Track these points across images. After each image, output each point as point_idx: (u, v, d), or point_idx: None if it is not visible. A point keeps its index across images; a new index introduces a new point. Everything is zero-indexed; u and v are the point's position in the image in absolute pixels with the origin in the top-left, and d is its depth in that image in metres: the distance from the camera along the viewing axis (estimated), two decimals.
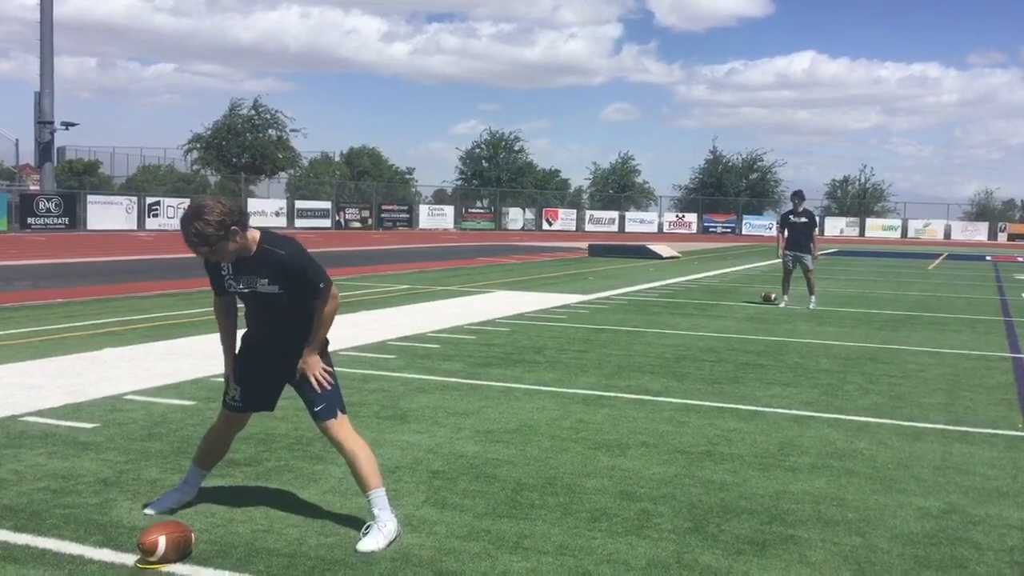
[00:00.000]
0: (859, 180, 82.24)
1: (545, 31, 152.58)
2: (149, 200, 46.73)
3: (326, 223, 56.60)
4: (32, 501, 4.82)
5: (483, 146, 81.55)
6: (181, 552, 4.07)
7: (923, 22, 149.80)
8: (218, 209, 4.16)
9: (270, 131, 70.28)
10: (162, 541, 4.00)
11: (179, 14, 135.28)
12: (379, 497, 4.39)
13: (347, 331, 10.70)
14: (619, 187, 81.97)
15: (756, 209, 75.16)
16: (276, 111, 70.47)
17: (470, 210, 67.53)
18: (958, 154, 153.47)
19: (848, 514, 4.97)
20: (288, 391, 4.70)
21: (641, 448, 6.21)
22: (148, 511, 4.65)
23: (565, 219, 68.47)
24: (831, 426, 7.00)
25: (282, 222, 53.87)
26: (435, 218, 63.93)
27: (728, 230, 68.68)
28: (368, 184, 70.01)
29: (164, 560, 4.00)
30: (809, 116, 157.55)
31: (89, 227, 42.57)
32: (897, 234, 68.70)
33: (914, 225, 69.78)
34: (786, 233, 16.10)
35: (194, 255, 4.30)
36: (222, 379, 4.83)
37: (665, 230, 68.26)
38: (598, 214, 70.80)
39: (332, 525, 4.56)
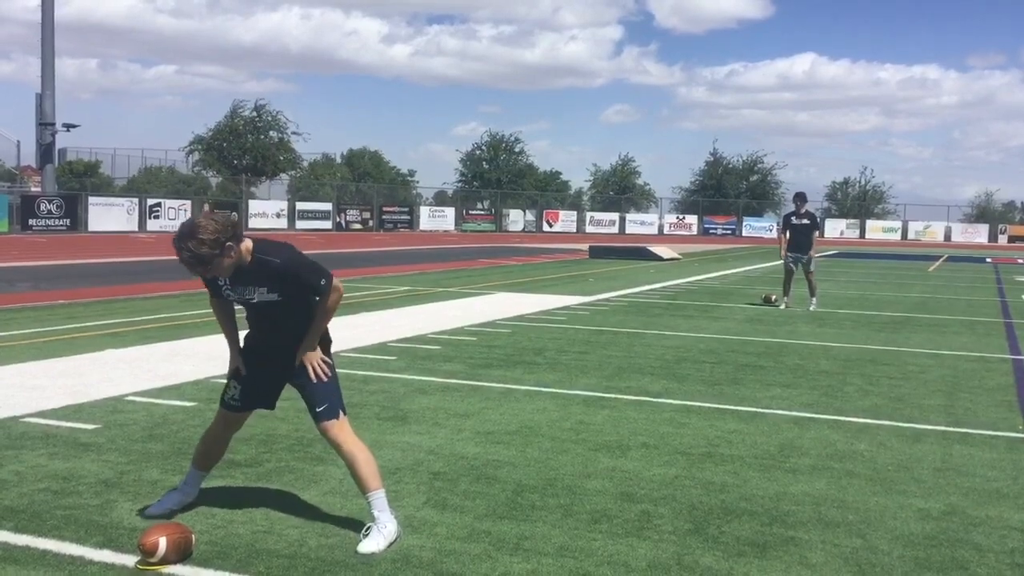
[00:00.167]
0: (859, 182, 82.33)
1: (545, 33, 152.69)
2: (150, 202, 46.75)
3: (327, 225, 56.63)
4: (33, 502, 4.83)
5: (483, 148, 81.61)
6: (182, 553, 4.08)
7: (923, 24, 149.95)
8: (211, 227, 4.12)
9: (271, 133, 70.36)
10: (163, 542, 4.00)
11: (180, 15, 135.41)
12: (379, 499, 4.40)
13: (348, 332, 10.71)
14: (619, 189, 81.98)
15: (756, 211, 75.15)
16: (278, 112, 70.63)
17: (471, 212, 67.55)
18: (958, 156, 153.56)
19: (848, 516, 4.97)
20: (290, 391, 4.71)
21: (641, 449, 6.21)
22: (149, 512, 4.66)
23: (565, 221, 68.49)
24: (831, 428, 7.01)
25: (283, 224, 53.91)
26: (436, 220, 63.95)
27: (728, 232, 68.70)
28: (369, 186, 70.04)
29: (165, 561, 4.00)
30: (809, 118, 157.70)
31: (90, 228, 42.58)
32: (897, 236, 68.69)
33: (914, 227, 69.77)
34: (788, 235, 16.11)
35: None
36: (223, 380, 4.83)
37: (665, 232, 68.25)
38: (598, 216, 70.83)
39: (332, 526, 4.57)
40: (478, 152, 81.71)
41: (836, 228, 68.67)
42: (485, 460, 5.84)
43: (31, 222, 40.53)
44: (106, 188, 55.89)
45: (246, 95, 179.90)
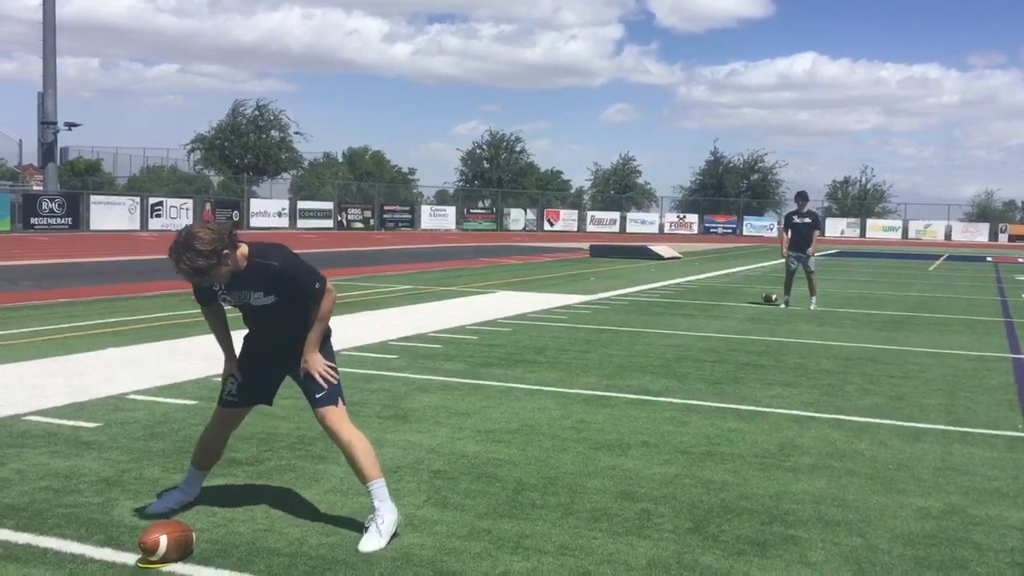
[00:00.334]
0: (860, 181, 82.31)
1: (546, 32, 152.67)
2: (152, 200, 46.77)
3: (328, 224, 56.65)
4: (34, 500, 4.84)
5: (484, 147, 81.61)
6: (182, 551, 4.08)
7: (923, 23, 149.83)
8: (207, 236, 4.11)
9: (273, 132, 70.39)
10: (163, 540, 4.01)
11: (181, 15, 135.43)
12: (379, 488, 4.40)
13: (349, 331, 10.71)
14: (620, 188, 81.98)
15: (757, 210, 75.15)
16: (280, 112, 70.68)
17: (472, 211, 67.56)
18: (959, 155, 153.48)
19: (848, 515, 4.98)
20: (289, 387, 4.71)
21: (642, 448, 6.21)
22: (149, 511, 4.66)
23: (566, 220, 68.49)
24: (831, 426, 7.01)
25: (284, 223, 53.95)
26: (437, 219, 63.96)
27: (729, 231, 68.69)
28: (370, 185, 70.06)
29: (165, 560, 4.01)
30: (810, 117, 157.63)
31: (92, 227, 42.61)
32: (898, 235, 68.68)
33: (915, 226, 69.75)
34: (790, 234, 16.11)
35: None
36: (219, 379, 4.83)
37: (666, 231, 68.25)
38: (599, 215, 70.83)
39: (333, 525, 4.57)
40: (479, 151, 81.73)
41: (837, 227, 68.65)
42: (486, 459, 5.85)
43: (33, 221, 40.57)
44: (108, 187, 55.90)
45: (247, 95, 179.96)
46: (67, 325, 11.31)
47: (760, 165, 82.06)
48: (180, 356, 9.21)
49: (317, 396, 4.48)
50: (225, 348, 4.72)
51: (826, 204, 79.04)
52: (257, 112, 69.82)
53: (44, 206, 41.43)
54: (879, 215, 76.52)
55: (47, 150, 45.91)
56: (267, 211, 54.01)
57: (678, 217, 71.63)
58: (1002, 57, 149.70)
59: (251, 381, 4.67)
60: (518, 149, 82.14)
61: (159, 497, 4.82)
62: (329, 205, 58.64)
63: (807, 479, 5.61)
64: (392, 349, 10.01)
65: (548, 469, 5.66)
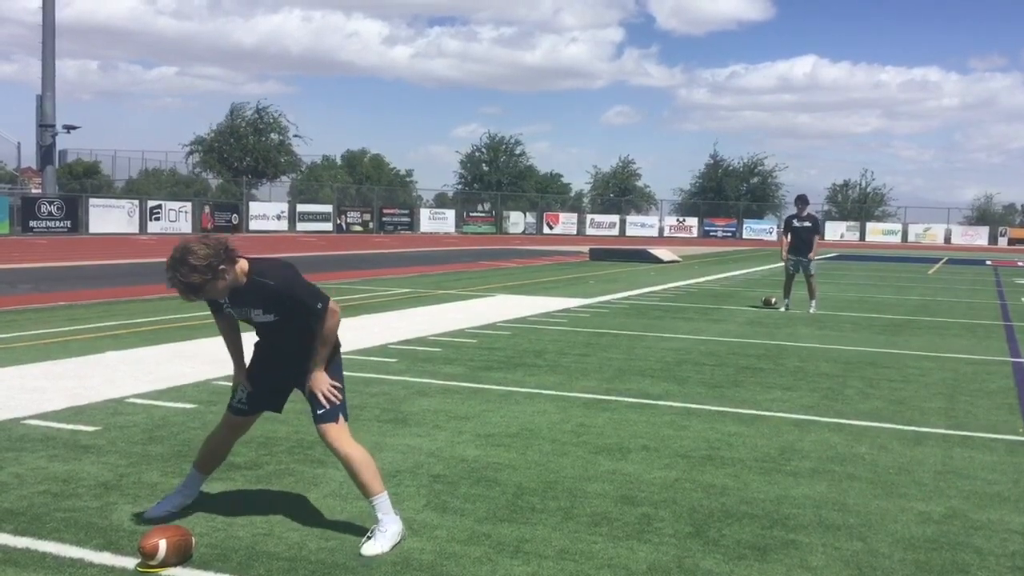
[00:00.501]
0: (860, 184, 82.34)
1: (546, 35, 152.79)
2: (151, 203, 46.75)
3: (327, 227, 56.67)
4: (33, 504, 4.83)
5: (483, 150, 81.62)
6: (182, 556, 4.07)
7: (924, 26, 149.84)
8: (203, 251, 4.06)
9: (272, 135, 70.42)
10: (163, 545, 4.00)
11: (181, 17, 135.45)
12: (382, 502, 4.40)
13: (349, 335, 10.67)
14: (620, 191, 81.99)
15: (757, 213, 75.14)
16: (280, 114, 70.70)
17: (471, 214, 67.59)
18: (959, 158, 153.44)
19: (849, 519, 4.97)
20: (294, 392, 4.71)
21: (642, 452, 6.21)
22: (148, 515, 4.66)
23: (566, 223, 68.50)
24: (832, 430, 7.00)
25: (283, 226, 53.96)
26: (436, 222, 63.99)
27: (729, 234, 68.70)
28: (369, 188, 70.09)
29: (165, 564, 4.00)
30: (810, 120, 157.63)
31: (91, 230, 42.60)
32: (897, 238, 68.68)
33: (914, 229, 69.74)
34: (790, 237, 16.10)
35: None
36: (224, 383, 4.85)
37: (666, 234, 68.25)
38: (599, 218, 70.82)
39: (332, 529, 4.56)
40: (478, 154, 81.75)
41: (836, 230, 68.66)
42: (485, 463, 5.84)
43: (32, 224, 40.55)
44: (106, 190, 55.90)
45: (247, 97, 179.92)
46: (66, 328, 11.30)
47: (760, 168, 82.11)
48: (179, 359, 9.20)
49: (319, 412, 4.47)
50: (235, 356, 4.70)
51: (826, 207, 79.07)
52: (256, 115, 69.86)
53: (43, 209, 41.43)
54: (879, 218, 76.53)
55: (46, 153, 45.94)
56: (266, 214, 54.02)
57: (678, 220, 71.62)
58: (1002, 60, 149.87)
59: (260, 389, 4.67)
60: (517, 152, 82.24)
61: (158, 501, 4.81)
62: (328, 208, 58.65)
63: (807, 483, 5.60)
64: (391, 353, 10.01)
65: (548, 473, 5.66)
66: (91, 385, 7.85)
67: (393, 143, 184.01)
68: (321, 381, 4.45)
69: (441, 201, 77.08)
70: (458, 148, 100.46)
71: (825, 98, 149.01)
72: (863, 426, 7.18)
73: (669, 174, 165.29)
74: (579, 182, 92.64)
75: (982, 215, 78.79)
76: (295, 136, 71.29)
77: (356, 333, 11.17)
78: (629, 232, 68.29)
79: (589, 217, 71.11)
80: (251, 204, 54.99)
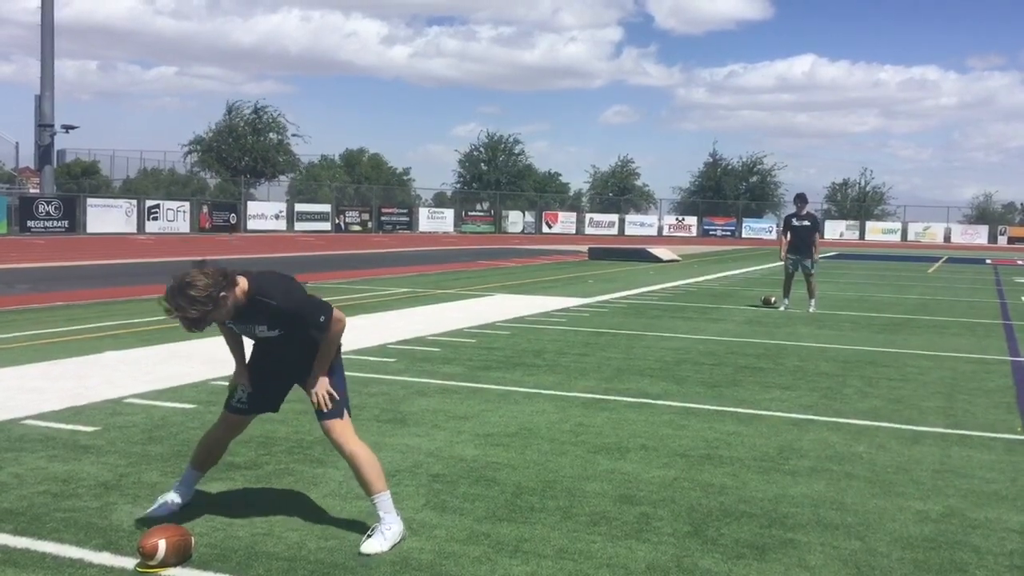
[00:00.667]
0: (859, 183, 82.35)
1: (545, 34, 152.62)
2: (149, 203, 46.73)
3: (326, 226, 56.65)
4: (32, 505, 4.83)
5: (481, 149, 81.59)
6: (181, 556, 4.08)
7: (922, 25, 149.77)
8: (202, 282, 4.03)
9: (271, 134, 70.40)
10: (162, 545, 4.01)
11: (180, 17, 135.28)
12: (383, 500, 4.41)
13: (347, 334, 10.60)
14: (619, 190, 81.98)
15: (756, 212, 75.14)
16: (279, 114, 70.68)
17: (470, 213, 67.57)
18: (957, 157, 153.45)
19: (847, 518, 4.97)
20: (292, 393, 4.71)
21: (640, 451, 6.21)
22: (147, 515, 4.66)
23: (565, 222, 68.49)
24: (830, 429, 7.01)
25: (282, 225, 53.95)
26: (435, 221, 63.99)
27: (728, 233, 68.70)
28: (368, 187, 70.08)
29: (164, 564, 4.01)
30: (809, 119, 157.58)
31: (89, 230, 42.56)
32: (897, 237, 68.69)
33: (914, 228, 69.75)
34: (789, 236, 16.10)
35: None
36: (223, 383, 4.84)
37: (665, 233, 68.25)
38: (598, 217, 70.82)
39: (332, 529, 4.57)
40: (476, 153, 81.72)
41: (836, 229, 68.68)
42: (484, 462, 5.85)
43: (30, 224, 40.52)
44: (104, 189, 55.89)
45: (245, 97, 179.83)
46: (64, 328, 11.30)
47: (759, 167, 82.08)
48: (179, 360, 9.20)
49: (323, 409, 4.48)
50: (236, 357, 4.71)
51: (825, 206, 79.04)
52: (255, 115, 69.82)
53: (41, 209, 41.40)
54: (878, 217, 76.52)
55: (44, 152, 45.96)
56: (264, 213, 54.02)
57: (677, 219, 71.63)
58: (1001, 59, 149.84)
59: (260, 389, 4.67)
60: (516, 151, 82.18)
61: (157, 501, 4.82)
62: (327, 208, 58.64)
63: (806, 482, 5.61)
64: (390, 352, 10.01)
65: (547, 473, 5.66)
66: (90, 385, 7.85)
67: (392, 142, 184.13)
68: (321, 384, 4.47)
69: (440, 200, 77.07)
70: (457, 147, 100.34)
71: (824, 97, 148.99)
72: (862, 425, 7.19)
73: (668, 173, 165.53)
74: (578, 181, 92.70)
75: (981, 214, 78.82)
76: (294, 135, 71.36)
77: (355, 333, 11.15)
78: (628, 231, 68.27)
79: (588, 216, 71.11)
80: (249, 204, 54.98)
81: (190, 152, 68.75)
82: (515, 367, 9.34)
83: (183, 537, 4.13)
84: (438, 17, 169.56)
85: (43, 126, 45.10)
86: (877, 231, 69.77)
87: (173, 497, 4.76)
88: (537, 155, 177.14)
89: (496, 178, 78.34)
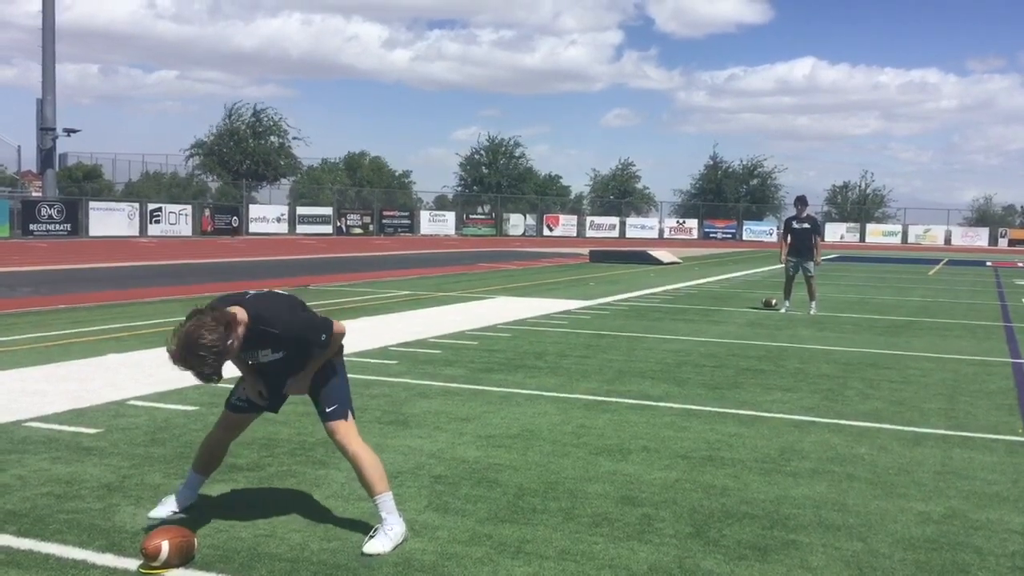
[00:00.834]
0: (859, 186, 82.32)
1: (546, 38, 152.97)
2: (151, 206, 46.75)
3: (328, 229, 56.68)
4: (35, 506, 4.84)
5: (482, 152, 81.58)
6: (184, 557, 4.09)
7: (922, 28, 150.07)
8: (210, 339, 3.99)
9: (272, 138, 70.42)
10: (165, 546, 4.02)
11: (181, 21, 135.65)
12: (386, 501, 4.42)
13: (349, 337, 10.63)
14: (619, 193, 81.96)
15: (756, 215, 75.11)
16: (280, 118, 70.71)
17: (471, 216, 67.57)
18: (958, 160, 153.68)
19: (849, 519, 4.98)
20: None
21: (642, 453, 6.22)
22: (150, 517, 4.67)
23: (566, 225, 68.48)
24: (832, 431, 7.02)
25: (283, 228, 53.96)
26: (436, 224, 64.01)
27: (729, 236, 68.68)
28: (369, 190, 70.10)
29: (167, 565, 4.02)
30: (809, 122, 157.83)
31: (91, 233, 42.59)
32: (897, 240, 68.64)
33: (914, 231, 69.71)
34: (789, 239, 16.11)
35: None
36: (226, 385, 4.82)
37: (666, 236, 68.25)
38: (599, 220, 70.80)
39: (335, 530, 4.58)
40: (477, 156, 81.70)
41: (836, 232, 68.64)
42: (486, 464, 5.86)
43: (32, 227, 40.55)
44: (106, 193, 55.90)
45: (247, 100, 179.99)
46: (67, 331, 11.31)
47: (759, 170, 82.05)
48: None
49: (327, 410, 4.49)
50: (244, 370, 4.72)
51: (825, 209, 79.03)
52: (254, 118, 69.83)
53: (43, 212, 41.43)
54: (879, 220, 76.48)
55: (46, 156, 45.97)
56: (266, 217, 54.05)
57: (677, 222, 71.62)
58: (1001, 62, 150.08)
59: (264, 388, 4.67)
60: (517, 154, 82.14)
61: (160, 502, 4.83)
62: (328, 211, 58.67)
63: (807, 484, 5.62)
64: (392, 355, 10.02)
65: (549, 474, 5.67)
66: (92, 388, 7.86)
67: (393, 146, 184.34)
68: (302, 379, 4.53)
69: (441, 203, 77.07)
70: (458, 150, 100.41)
71: (824, 100, 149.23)
72: (863, 427, 7.20)
73: (669, 176, 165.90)
74: (579, 184, 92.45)
75: (982, 216, 78.76)
76: (295, 139, 71.36)
77: (356, 335, 11.17)
78: (629, 234, 68.28)
79: (589, 219, 71.10)
80: (251, 207, 55.02)
81: (192, 155, 68.81)
82: (517, 369, 9.35)
83: (186, 538, 4.14)
84: (439, 20, 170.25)
85: (45, 130, 45.13)
86: (878, 233, 69.75)
87: (176, 500, 4.77)
88: (538, 158, 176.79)
89: (497, 181, 78.34)
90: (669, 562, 4.29)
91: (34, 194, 49.81)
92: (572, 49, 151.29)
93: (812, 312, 15.58)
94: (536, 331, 12.38)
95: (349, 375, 4.76)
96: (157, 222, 46.07)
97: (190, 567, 4.08)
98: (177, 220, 47.35)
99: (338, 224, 57.51)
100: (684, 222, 71.16)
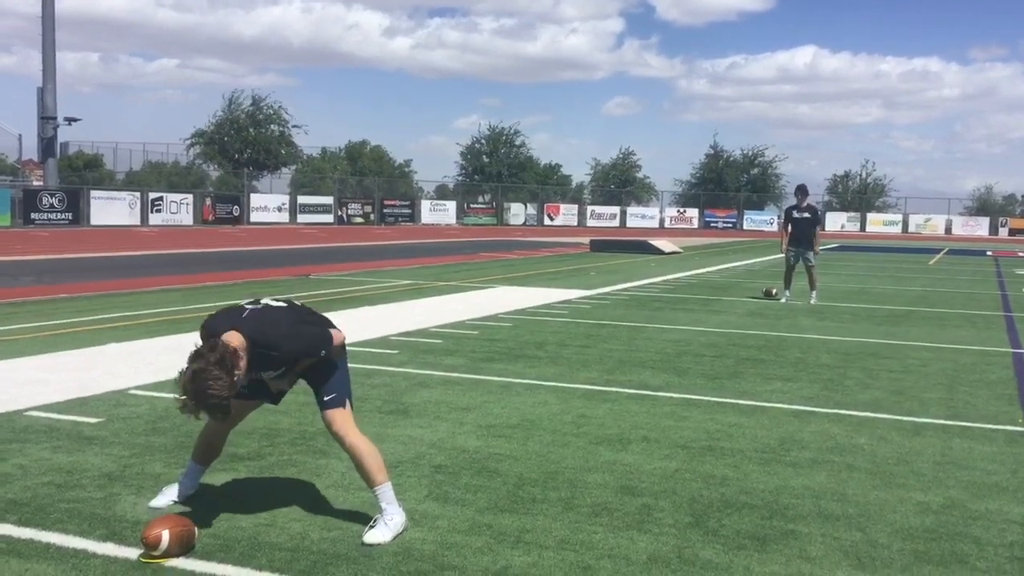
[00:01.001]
0: (860, 175, 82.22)
1: (547, 26, 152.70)
2: (152, 196, 46.73)
3: (328, 218, 56.67)
4: (36, 495, 4.85)
5: (483, 141, 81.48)
6: (184, 546, 4.10)
7: (924, 16, 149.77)
8: (217, 385, 3.97)
9: (272, 127, 70.33)
10: (166, 535, 4.03)
11: (181, 9, 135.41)
12: (385, 492, 4.42)
13: (351, 326, 10.67)
14: (620, 182, 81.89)
15: (757, 204, 75.04)
16: (279, 107, 70.59)
17: (472, 205, 67.52)
18: (959, 148, 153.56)
19: (848, 509, 4.99)
20: (298, 384, 4.72)
21: (642, 443, 6.23)
22: (151, 506, 4.68)
23: (567, 214, 68.44)
24: (831, 421, 7.02)
25: (284, 217, 53.94)
26: (437, 213, 63.96)
27: (729, 225, 68.61)
28: (370, 180, 70.05)
29: (167, 554, 4.03)
30: (810, 110, 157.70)
31: (92, 223, 42.57)
32: (898, 229, 68.56)
33: (915, 220, 69.63)
34: (790, 228, 16.10)
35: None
36: None
37: (666, 225, 68.20)
38: (599, 209, 70.75)
39: (335, 519, 4.59)
40: (478, 145, 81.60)
41: (837, 221, 68.60)
42: (486, 453, 5.87)
43: (33, 216, 40.52)
44: (108, 182, 55.86)
45: (247, 89, 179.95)
46: (68, 320, 11.32)
47: (760, 159, 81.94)
48: (181, 351, 9.13)
49: (326, 398, 4.48)
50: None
51: (826, 198, 78.96)
52: (254, 107, 69.72)
53: (44, 201, 41.39)
54: (879, 209, 76.41)
55: (47, 145, 45.91)
56: (267, 206, 54.03)
57: (678, 211, 71.58)
58: (1003, 50, 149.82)
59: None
60: (517, 143, 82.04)
61: (161, 492, 4.84)
62: (329, 200, 58.66)
63: (807, 474, 5.63)
64: (393, 344, 10.03)
65: (549, 464, 5.68)
66: (93, 377, 7.88)
67: (394, 134, 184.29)
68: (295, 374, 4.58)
69: (442, 193, 77.04)
70: (458, 139, 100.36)
71: (825, 89, 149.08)
72: (863, 417, 7.20)
73: (669, 165, 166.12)
74: (579, 173, 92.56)
75: (982, 205, 78.67)
76: (294, 127, 71.26)
77: (357, 325, 11.18)
78: (630, 223, 68.25)
79: (590, 208, 71.03)
80: (252, 196, 54.99)
81: (192, 145, 68.73)
82: (517, 359, 9.35)
83: (186, 528, 4.15)
84: (439, 8, 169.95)
85: (46, 118, 45.06)
86: (878, 223, 69.66)
87: (177, 490, 4.79)
88: (539, 147, 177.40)
89: (498, 170, 78.28)
90: (668, 552, 4.30)
91: (35, 183, 49.80)
92: (573, 37, 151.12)
93: (812, 302, 15.58)
94: (536, 321, 12.38)
95: (350, 364, 4.76)
96: (158, 211, 46.05)
97: (190, 556, 4.09)
98: (178, 209, 47.33)
99: (339, 213, 57.50)
100: (685, 211, 71.11)
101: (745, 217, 69.85)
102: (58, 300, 13.49)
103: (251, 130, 68.60)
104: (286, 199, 56.45)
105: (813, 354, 10.19)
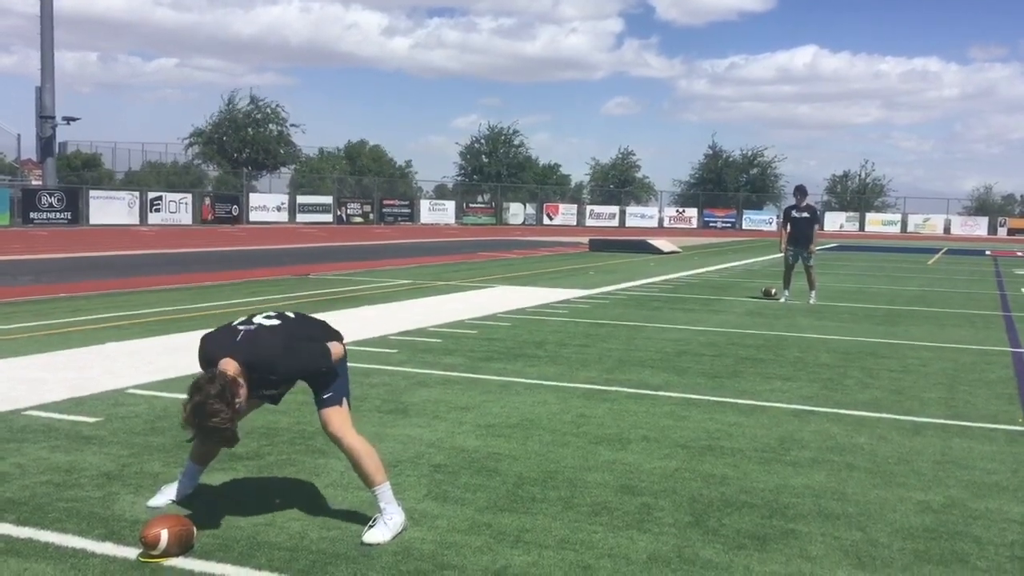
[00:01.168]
0: (859, 175, 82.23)
1: (546, 25, 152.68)
2: (151, 195, 46.71)
3: (328, 218, 56.67)
4: (35, 495, 4.84)
5: (482, 141, 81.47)
6: (183, 546, 4.09)
7: (924, 16, 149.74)
8: (220, 417, 3.96)
9: (271, 126, 70.31)
10: (164, 535, 4.02)
11: (180, 8, 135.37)
12: (384, 492, 4.41)
13: (350, 325, 10.67)
14: (619, 182, 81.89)
15: (756, 204, 75.06)
16: (277, 106, 70.59)
17: (471, 205, 67.53)
18: (959, 148, 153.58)
19: (848, 508, 4.98)
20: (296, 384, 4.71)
21: (642, 442, 6.22)
22: (149, 505, 4.67)
23: (566, 214, 68.45)
24: (831, 420, 7.02)
25: (283, 217, 53.93)
26: (436, 213, 63.97)
27: (728, 225, 68.63)
28: (370, 179, 70.05)
29: (166, 554, 4.02)
30: (810, 111, 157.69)
31: (91, 222, 42.57)
32: (897, 229, 68.59)
33: (914, 220, 69.66)
34: (788, 228, 16.10)
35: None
36: None
37: (665, 225, 68.22)
38: (599, 209, 70.76)
39: (334, 519, 4.58)
40: (477, 145, 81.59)
41: (836, 221, 68.64)
42: (486, 453, 5.86)
43: (32, 215, 40.53)
44: (106, 181, 55.83)
45: (246, 88, 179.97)
46: (67, 320, 11.31)
47: (759, 159, 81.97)
48: (181, 351, 9.20)
49: (323, 397, 4.47)
50: None
51: (825, 198, 78.98)
52: (252, 106, 69.70)
53: (43, 201, 41.38)
54: (878, 209, 76.42)
55: (46, 144, 45.88)
56: (266, 205, 54.03)
57: (677, 211, 71.59)
58: (1002, 50, 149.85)
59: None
60: (516, 143, 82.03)
61: (159, 491, 4.83)
62: (328, 199, 58.64)
63: (807, 473, 5.62)
64: (392, 343, 10.02)
65: (548, 463, 5.67)
66: (92, 376, 7.86)
67: (393, 134, 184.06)
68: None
69: (441, 192, 77.04)
70: (458, 139, 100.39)
71: (825, 89, 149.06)
72: (862, 416, 7.20)
73: (669, 165, 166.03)
74: (579, 173, 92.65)
75: (981, 205, 78.70)
76: (291, 126, 71.24)
77: (356, 324, 11.18)
78: (629, 223, 68.26)
79: (589, 208, 71.04)
80: (251, 195, 54.98)
81: (191, 144, 68.70)
82: (516, 358, 9.35)
83: (185, 527, 4.14)
84: (439, 8, 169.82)
85: (44, 118, 45.04)
86: (877, 223, 69.69)
87: (176, 489, 4.78)
88: (538, 147, 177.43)
89: (497, 170, 78.27)
90: (668, 551, 4.30)
91: (34, 182, 49.76)
92: (572, 37, 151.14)
93: (811, 301, 15.58)
94: (536, 320, 12.37)
95: (349, 363, 4.75)
96: (157, 211, 46.04)
97: (189, 556, 4.08)
98: (177, 209, 47.31)
99: (338, 213, 57.50)
100: (684, 211, 71.11)
101: (744, 217, 69.86)
102: (57, 299, 13.48)
103: (249, 130, 68.59)
104: (285, 199, 56.46)
105: (812, 353, 10.18)
